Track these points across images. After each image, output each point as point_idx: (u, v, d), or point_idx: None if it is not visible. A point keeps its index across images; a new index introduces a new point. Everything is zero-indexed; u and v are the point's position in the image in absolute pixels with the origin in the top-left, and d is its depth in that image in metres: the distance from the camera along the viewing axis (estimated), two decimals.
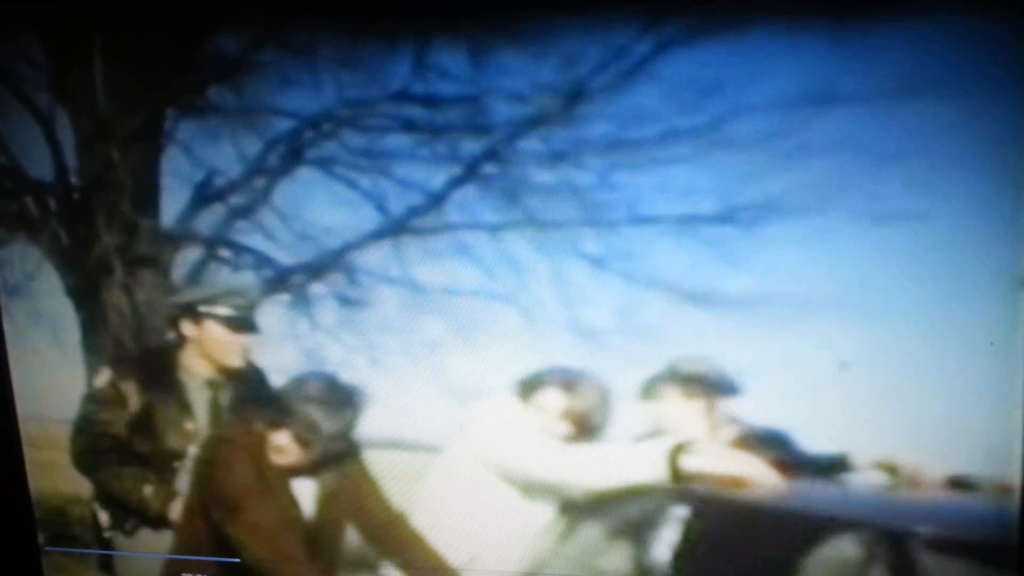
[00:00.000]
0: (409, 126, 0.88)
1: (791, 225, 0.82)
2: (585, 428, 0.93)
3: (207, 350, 1.01)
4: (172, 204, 0.96)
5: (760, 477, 0.87)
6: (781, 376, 0.85)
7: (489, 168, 0.88)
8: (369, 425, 0.97)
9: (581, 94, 0.84)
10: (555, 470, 0.94)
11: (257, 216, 0.94)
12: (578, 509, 0.94)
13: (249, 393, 1.00)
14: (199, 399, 1.02)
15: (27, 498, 1.06)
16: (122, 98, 0.95)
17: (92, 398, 1.03)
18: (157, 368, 1.02)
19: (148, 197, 0.97)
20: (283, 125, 0.91)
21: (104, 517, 1.05)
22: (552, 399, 0.93)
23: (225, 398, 1.02)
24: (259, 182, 0.93)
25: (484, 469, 0.97)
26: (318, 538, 1.01)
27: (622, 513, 0.93)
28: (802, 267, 0.83)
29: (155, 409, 1.02)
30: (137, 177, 0.96)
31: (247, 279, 0.96)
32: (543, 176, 0.87)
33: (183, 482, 1.03)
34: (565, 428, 0.94)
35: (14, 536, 1.07)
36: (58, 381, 1.03)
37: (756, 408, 0.87)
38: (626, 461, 0.91)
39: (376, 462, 0.98)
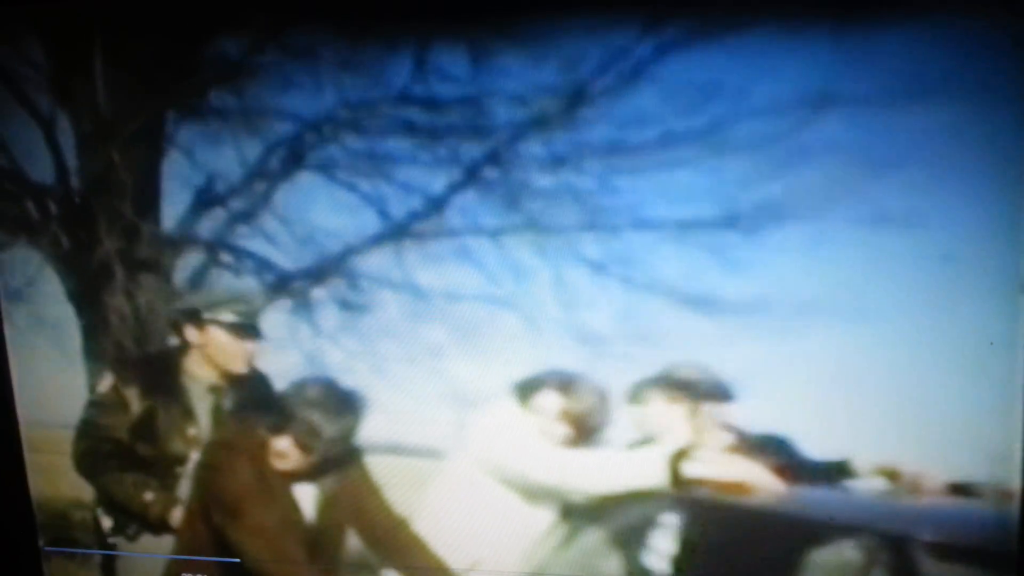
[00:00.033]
0: (410, 129, 0.88)
1: (791, 230, 0.82)
2: (583, 430, 0.93)
3: (210, 355, 1.01)
4: (173, 208, 0.96)
5: (761, 483, 0.88)
6: (782, 381, 0.85)
7: (490, 172, 0.88)
8: (370, 430, 0.97)
9: (582, 97, 0.84)
10: (556, 474, 0.94)
11: (258, 220, 0.94)
12: (579, 513, 0.94)
13: (251, 398, 1.00)
14: (201, 404, 1.02)
15: (27, 500, 1.06)
16: (123, 100, 0.94)
17: (94, 403, 1.03)
18: (159, 373, 1.02)
19: (149, 201, 0.97)
20: (284, 128, 0.91)
21: (107, 522, 1.06)
22: (549, 401, 0.93)
23: (227, 403, 1.02)
24: (260, 186, 0.93)
25: (485, 473, 0.97)
26: (320, 543, 1.01)
27: (623, 517, 0.93)
28: (802, 272, 0.83)
29: (157, 414, 1.02)
30: (138, 180, 0.96)
31: (249, 284, 0.96)
32: (544, 180, 0.87)
33: (185, 487, 1.03)
34: (563, 430, 0.94)
35: (15, 537, 1.07)
36: (60, 385, 1.03)
37: (757, 413, 0.87)
38: (627, 466, 0.92)
39: (377, 467, 0.98)
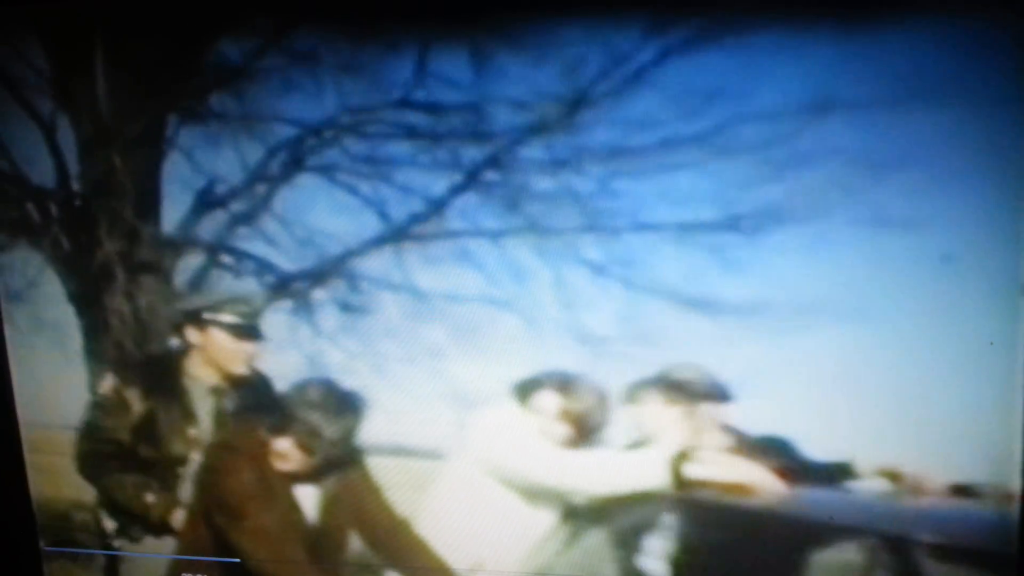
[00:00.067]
0: (411, 132, 0.88)
1: (792, 232, 0.82)
2: (583, 430, 0.93)
3: (211, 357, 1.01)
4: (174, 210, 0.96)
5: (762, 484, 0.88)
6: (783, 382, 0.85)
7: (490, 175, 0.88)
8: (371, 431, 0.97)
9: (583, 101, 0.84)
10: (558, 475, 0.94)
11: (259, 222, 0.94)
12: (581, 515, 0.94)
13: (252, 399, 1.00)
14: (202, 405, 1.02)
15: (28, 501, 1.06)
16: (124, 103, 0.94)
17: (95, 404, 1.03)
18: (160, 374, 1.02)
19: (150, 203, 0.97)
20: (285, 131, 0.91)
21: (109, 523, 1.06)
22: (548, 401, 0.93)
23: (228, 404, 1.02)
24: (261, 188, 0.93)
25: (486, 474, 0.97)
26: (321, 543, 1.01)
27: (625, 518, 0.93)
28: (803, 273, 0.83)
29: (158, 415, 1.02)
30: (139, 183, 0.96)
31: (249, 286, 0.96)
32: (544, 183, 0.87)
33: (186, 488, 1.03)
34: (563, 430, 0.94)
35: (15, 538, 1.07)
36: (60, 386, 1.03)
37: (758, 414, 0.87)
38: (628, 467, 0.92)
39: (378, 468, 0.98)
